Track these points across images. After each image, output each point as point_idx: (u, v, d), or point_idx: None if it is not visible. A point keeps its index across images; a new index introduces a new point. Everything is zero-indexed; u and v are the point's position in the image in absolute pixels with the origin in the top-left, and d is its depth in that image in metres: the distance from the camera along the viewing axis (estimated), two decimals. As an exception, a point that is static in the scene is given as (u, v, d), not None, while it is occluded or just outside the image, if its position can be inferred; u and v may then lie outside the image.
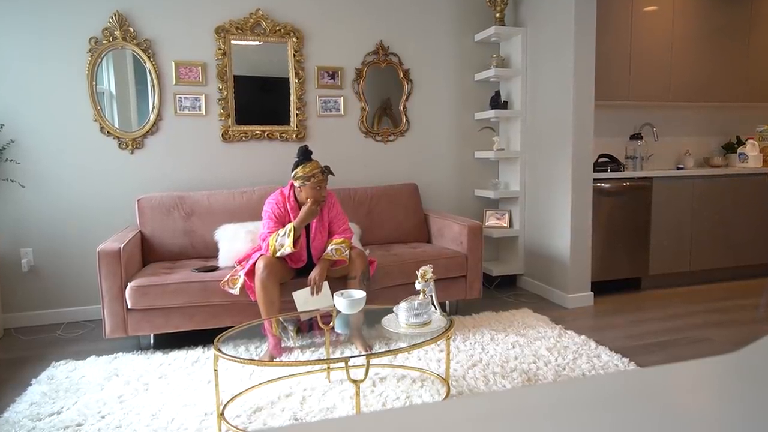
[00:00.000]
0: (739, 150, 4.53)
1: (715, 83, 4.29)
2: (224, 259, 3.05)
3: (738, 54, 4.32)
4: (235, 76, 3.63)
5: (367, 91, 3.93)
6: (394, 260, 3.14)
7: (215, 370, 2.01)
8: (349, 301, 2.29)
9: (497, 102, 4.06)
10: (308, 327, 2.48)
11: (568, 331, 3.04)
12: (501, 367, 2.58)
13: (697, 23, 4.16)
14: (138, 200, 3.30)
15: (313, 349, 2.58)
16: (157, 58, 3.49)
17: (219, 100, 3.61)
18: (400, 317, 2.16)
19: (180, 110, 3.56)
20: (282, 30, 3.67)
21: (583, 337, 2.95)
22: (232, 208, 3.37)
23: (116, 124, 3.47)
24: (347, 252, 2.79)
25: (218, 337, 2.08)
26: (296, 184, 2.72)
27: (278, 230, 2.70)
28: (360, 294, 2.35)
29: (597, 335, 3.03)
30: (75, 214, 3.44)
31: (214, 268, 2.98)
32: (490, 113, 4.03)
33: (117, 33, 3.38)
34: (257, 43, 3.66)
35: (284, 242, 2.65)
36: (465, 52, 4.13)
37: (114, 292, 2.72)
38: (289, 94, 3.75)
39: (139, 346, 2.93)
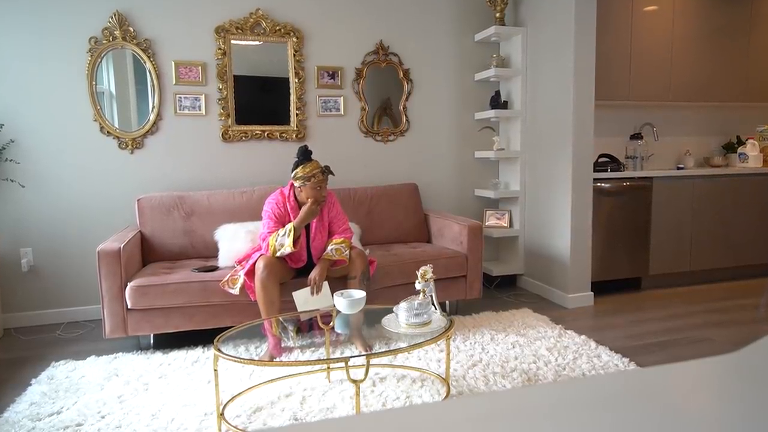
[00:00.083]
0: (740, 150, 4.53)
1: (716, 83, 4.29)
2: (224, 259, 3.05)
3: (738, 54, 4.32)
4: (235, 76, 3.63)
5: (367, 91, 3.93)
6: (394, 260, 3.14)
7: (215, 370, 2.01)
8: (349, 301, 2.29)
9: (497, 102, 4.06)
10: (308, 327, 2.48)
11: (568, 331, 3.04)
12: (501, 367, 2.57)
13: (698, 23, 4.16)
14: (138, 200, 3.30)
15: (313, 349, 2.58)
16: (157, 57, 3.49)
17: (219, 99, 3.61)
18: (400, 317, 2.16)
19: (180, 110, 3.56)
20: (282, 30, 3.67)
21: (583, 337, 2.95)
22: (232, 208, 3.37)
23: (116, 124, 3.47)
24: (347, 252, 2.79)
25: (218, 337, 2.08)
26: (296, 184, 2.72)
27: (278, 230, 2.69)
28: (360, 294, 2.35)
29: (597, 335, 3.03)
30: (75, 214, 3.44)
31: (214, 268, 2.98)
32: (490, 113, 4.03)
33: (117, 33, 3.38)
34: (257, 42, 3.66)
35: (284, 242, 2.65)
36: (465, 52, 4.13)
37: (114, 292, 2.72)
38: (289, 94, 3.75)
39: (138, 346, 2.93)
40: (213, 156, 3.66)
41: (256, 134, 3.70)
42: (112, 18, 3.37)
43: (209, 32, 3.56)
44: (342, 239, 2.81)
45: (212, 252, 3.23)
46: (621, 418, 0.46)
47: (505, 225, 4.13)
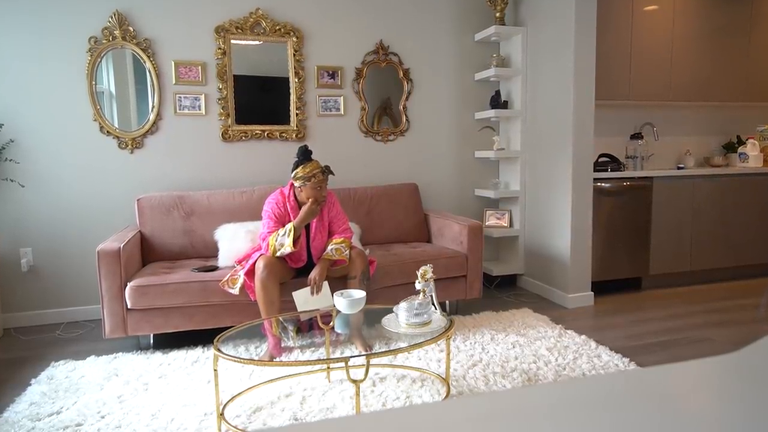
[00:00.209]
0: (740, 149, 4.53)
1: (716, 82, 4.29)
2: (224, 258, 3.04)
3: (738, 53, 4.31)
4: (234, 76, 3.62)
5: (367, 91, 3.93)
6: (394, 260, 3.14)
7: (215, 370, 2.01)
8: (349, 301, 2.29)
9: (497, 101, 4.06)
10: (308, 327, 2.48)
11: (569, 331, 3.04)
12: (501, 367, 2.57)
13: (698, 22, 4.16)
14: (138, 200, 3.30)
15: (313, 349, 2.58)
16: (157, 57, 3.49)
17: (219, 99, 3.61)
18: (400, 317, 2.16)
19: (180, 110, 3.56)
20: (282, 29, 3.67)
21: (583, 337, 2.95)
22: (232, 208, 3.36)
23: (116, 124, 3.47)
24: (347, 252, 2.79)
25: (218, 337, 2.08)
26: (296, 184, 2.72)
27: (278, 230, 2.69)
28: (360, 294, 2.35)
29: (597, 335, 3.03)
30: (75, 214, 3.44)
31: (214, 268, 2.98)
32: (491, 113, 4.03)
33: (117, 32, 3.38)
34: (257, 42, 3.66)
35: (284, 242, 2.65)
36: (465, 52, 4.13)
37: (114, 292, 2.72)
38: (289, 94, 3.75)
39: (138, 346, 2.93)
40: (213, 156, 3.65)
41: (256, 134, 3.70)
42: (111, 18, 3.37)
43: (209, 32, 3.56)
44: (342, 239, 2.80)
45: (212, 252, 3.23)
46: (621, 418, 0.46)
47: (505, 225, 4.13)
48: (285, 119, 3.77)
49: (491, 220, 4.17)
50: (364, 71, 3.90)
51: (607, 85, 3.92)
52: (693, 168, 4.31)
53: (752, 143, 4.46)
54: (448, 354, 2.25)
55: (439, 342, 2.55)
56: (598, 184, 3.73)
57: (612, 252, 3.85)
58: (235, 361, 1.93)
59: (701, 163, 4.64)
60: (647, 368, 0.55)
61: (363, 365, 2.01)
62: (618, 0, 3.90)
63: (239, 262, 2.92)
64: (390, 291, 3.07)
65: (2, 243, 3.34)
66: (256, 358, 2.60)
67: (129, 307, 2.73)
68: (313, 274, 2.71)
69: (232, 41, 3.60)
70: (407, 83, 4.01)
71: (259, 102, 3.71)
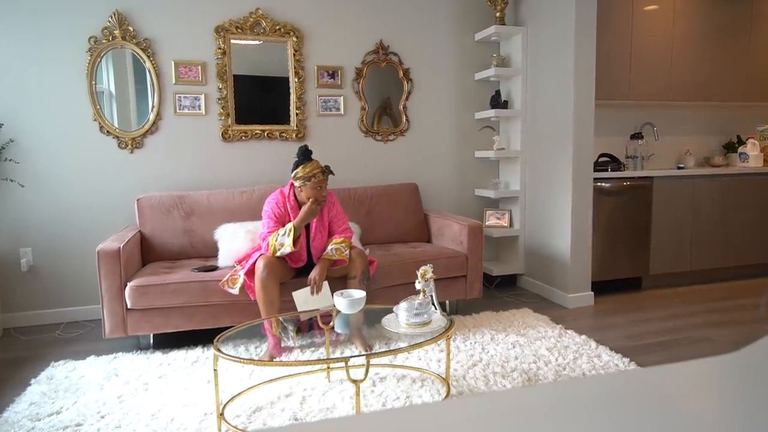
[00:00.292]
0: (740, 149, 4.53)
1: (716, 82, 4.29)
2: (224, 258, 3.04)
3: (739, 53, 4.31)
4: (234, 76, 3.62)
5: (367, 91, 3.93)
6: (394, 260, 3.14)
7: (215, 370, 2.01)
8: (349, 301, 2.29)
9: (497, 101, 4.06)
10: (308, 327, 2.48)
11: (569, 331, 3.04)
12: (501, 367, 2.57)
13: (698, 22, 4.16)
14: (137, 200, 3.30)
15: (313, 349, 2.58)
16: (157, 57, 3.49)
17: (219, 99, 3.61)
18: (400, 317, 2.16)
19: (179, 110, 3.56)
20: (282, 29, 3.66)
21: (583, 336, 2.95)
22: (232, 208, 3.36)
23: (116, 124, 3.47)
24: (347, 252, 2.79)
25: (218, 336, 2.08)
26: (297, 184, 2.72)
27: (278, 230, 2.69)
28: (360, 294, 2.35)
29: (597, 335, 3.02)
30: (74, 214, 3.44)
31: (214, 268, 2.98)
32: (491, 113, 4.03)
33: (116, 32, 3.38)
34: (257, 42, 3.66)
35: (284, 242, 2.65)
36: (465, 52, 4.13)
37: (113, 292, 2.72)
38: (289, 94, 3.75)
39: (138, 345, 2.93)
40: (213, 156, 3.65)
41: (256, 134, 3.70)
42: (111, 17, 3.37)
43: (209, 32, 3.56)
44: (342, 239, 2.80)
45: (212, 252, 3.23)
46: (621, 418, 0.45)
47: (505, 225, 4.12)
48: (285, 119, 3.76)
49: (491, 220, 4.17)
50: (364, 71, 3.90)
51: (607, 84, 3.92)
52: (693, 168, 4.31)
53: (752, 143, 4.46)
54: (448, 354, 2.25)
55: (439, 342, 2.55)
56: (599, 183, 3.73)
57: (612, 252, 3.85)
58: (235, 361, 1.93)
59: (701, 163, 4.64)
60: (647, 368, 0.55)
61: (363, 365, 2.01)
62: (618, 0, 3.90)
63: (239, 262, 2.92)
64: (390, 291, 3.07)
65: (2, 243, 3.34)
66: (256, 358, 2.60)
67: (129, 307, 2.72)
68: (313, 274, 2.71)
69: (232, 41, 3.59)
70: (407, 83, 4.01)
71: (259, 102, 3.71)
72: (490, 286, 4.13)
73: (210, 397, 2.28)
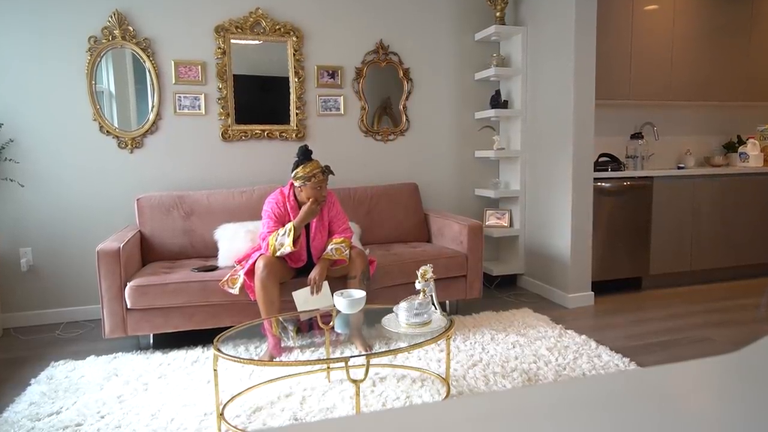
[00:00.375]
0: (740, 149, 4.53)
1: (716, 82, 4.29)
2: (224, 258, 3.04)
3: (739, 53, 4.31)
4: (234, 76, 3.62)
5: (367, 91, 3.93)
6: (394, 260, 3.14)
7: (215, 370, 2.01)
8: (349, 301, 2.29)
9: (497, 101, 4.05)
10: (308, 327, 2.48)
11: (569, 331, 3.04)
12: (501, 367, 2.57)
13: (698, 22, 4.16)
14: (137, 200, 3.30)
15: (313, 349, 2.58)
16: (157, 57, 3.48)
17: (218, 99, 3.61)
18: (400, 317, 2.16)
19: (179, 109, 3.56)
20: (282, 29, 3.66)
21: (583, 336, 2.95)
22: (232, 208, 3.36)
23: (116, 124, 3.47)
24: (347, 251, 2.79)
25: (218, 336, 2.07)
26: (297, 184, 2.72)
27: (278, 230, 2.69)
28: (360, 294, 2.35)
29: (597, 335, 3.02)
30: (74, 214, 3.44)
31: (214, 268, 2.98)
32: (491, 112, 4.03)
33: (116, 32, 3.38)
34: (257, 42, 3.66)
35: (284, 242, 2.65)
36: (465, 51, 4.13)
37: (113, 292, 2.72)
38: (289, 94, 3.75)
39: (138, 345, 2.93)
40: (213, 155, 3.65)
41: (256, 134, 3.70)
42: (111, 17, 3.37)
43: (209, 31, 3.56)
44: (342, 239, 2.80)
45: (212, 252, 3.23)
46: (621, 418, 0.45)
47: (506, 224, 4.12)
48: (285, 119, 3.76)
49: (491, 219, 4.17)
50: (364, 71, 3.89)
51: (608, 84, 3.92)
52: (693, 168, 4.31)
53: (752, 143, 4.46)
54: (448, 354, 2.25)
55: (439, 342, 2.55)
56: (599, 183, 3.73)
57: (612, 252, 3.85)
58: (235, 361, 1.93)
59: (701, 163, 4.64)
60: (647, 368, 0.54)
61: (363, 365, 2.01)
62: (618, 0, 3.90)
63: (239, 261, 2.92)
64: (390, 291, 3.07)
65: (2, 243, 3.34)
66: (256, 358, 2.60)
67: (129, 306, 2.72)
68: (313, 273, 2.71)
69: (232, 41, 3.59)
70: (407, 83, 4.01)
71: (259, 102, 3.71)
72: (490, 286, 4.13)
73: (210, 397, 2.28)
